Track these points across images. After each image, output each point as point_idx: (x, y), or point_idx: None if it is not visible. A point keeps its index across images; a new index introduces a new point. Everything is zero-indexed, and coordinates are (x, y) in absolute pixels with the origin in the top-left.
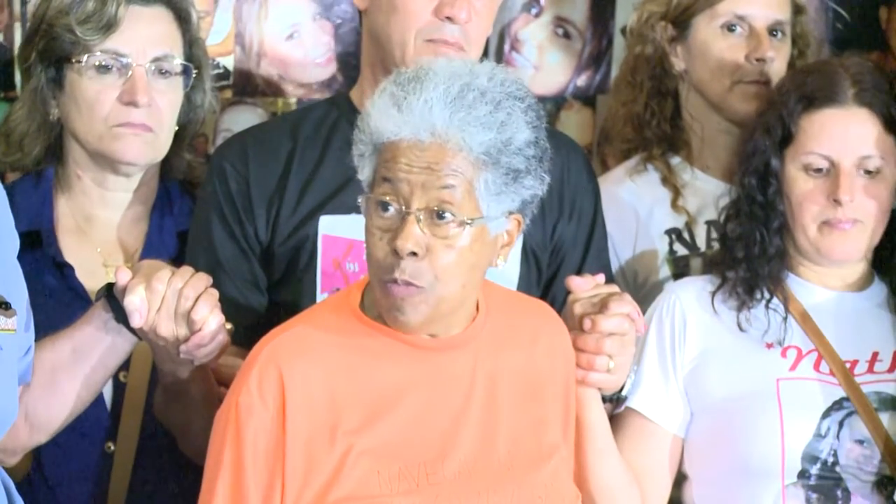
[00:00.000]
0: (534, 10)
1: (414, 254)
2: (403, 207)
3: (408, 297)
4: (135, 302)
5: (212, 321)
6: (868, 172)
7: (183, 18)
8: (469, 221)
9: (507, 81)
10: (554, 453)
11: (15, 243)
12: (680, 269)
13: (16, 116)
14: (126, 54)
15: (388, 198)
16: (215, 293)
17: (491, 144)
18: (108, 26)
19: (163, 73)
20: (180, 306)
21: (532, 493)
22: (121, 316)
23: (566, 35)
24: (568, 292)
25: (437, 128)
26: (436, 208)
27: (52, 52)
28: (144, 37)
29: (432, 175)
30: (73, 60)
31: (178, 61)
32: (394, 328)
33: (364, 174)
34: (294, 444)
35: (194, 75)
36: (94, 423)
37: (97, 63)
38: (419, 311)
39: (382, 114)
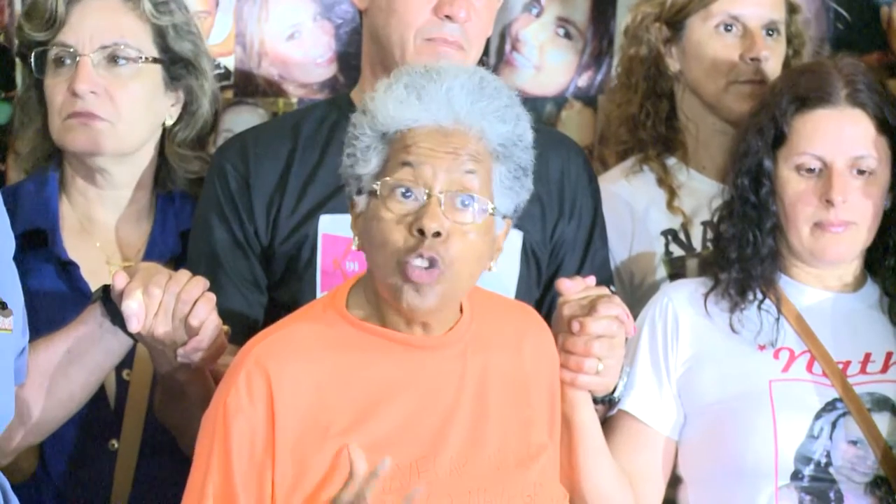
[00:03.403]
0: (535, 11)
1: (438, 234)
2: (426, 191)
3: (428, 279)
4: (132, 307)
5: (209, 325)
6: (861, 173)
7: (137, 5)
8: (491, 210)
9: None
10: (542, 453)
11: (11, 244)
12: (676, 270)
13: (15, 121)
14: (72, 45)
15: (409, 182)
16: (212, 297)
17: (507, 137)
18: (53, 21)
19: (115, 61)
20: (178, 311)
21: (521, 491)
22: (117, 318)
23: (567, 35)
24: None
25: (459, 115)
26: (459, 191)
27: (26, 54)
28: (91, 27)
29: (457, 159)
30: (34, 59)
31: (132, 50)
32: (402, 312)
33: (369, 165)
34: (284, 444)
35: (165, 62)
36: (97, 420)
37: (53, 58)
38: (435, 292)
39: (399, 103)
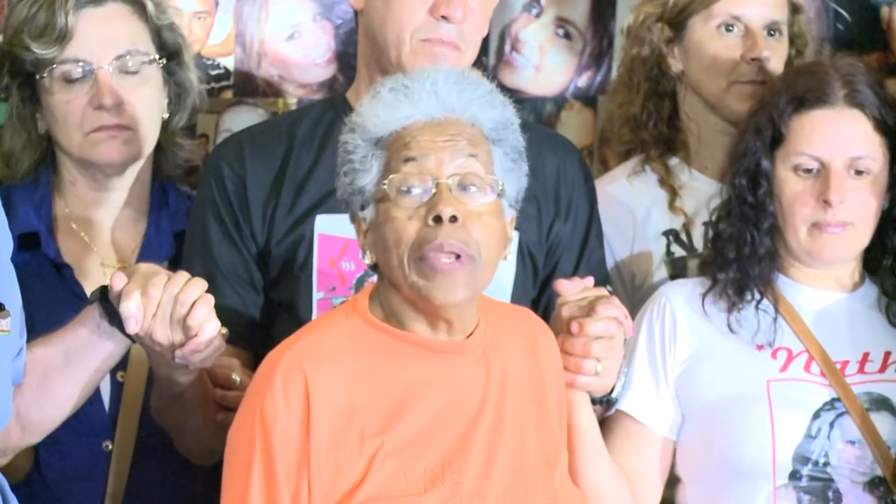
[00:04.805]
0: (534, 11)
1: (454, 219)
2: (434, 180)
3: (457, 269)
4: (131, 308)
5: (207, 327)
6: (859, 173)
7: (140, 8)
8: (500, 186)
9: None
10: (559, 457)
11: (9, 245)
12: (677, 271)
13: (4, 135)
14: (86, 59)
15: (415, 176)
16: (211, 298)
17: (498, 121)
18: (63, 37)
19: (129, 70)
20: (176, 312)
21: (545, 494)
22: (115, 319)
23: (567, 35)
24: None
25: (449, 105)
26: (465, 175)
27: (20, 71)
28: (102, 38)
29: (457, 145)
30: (39, 77)
31: (142, 55)
32: (431, 307)
33: (370, 173)
34: (318, 446)
35: (164, 59)
36: (92, 422)
37: (62, 74)
38: (464, 282)
39: (388, 107)
